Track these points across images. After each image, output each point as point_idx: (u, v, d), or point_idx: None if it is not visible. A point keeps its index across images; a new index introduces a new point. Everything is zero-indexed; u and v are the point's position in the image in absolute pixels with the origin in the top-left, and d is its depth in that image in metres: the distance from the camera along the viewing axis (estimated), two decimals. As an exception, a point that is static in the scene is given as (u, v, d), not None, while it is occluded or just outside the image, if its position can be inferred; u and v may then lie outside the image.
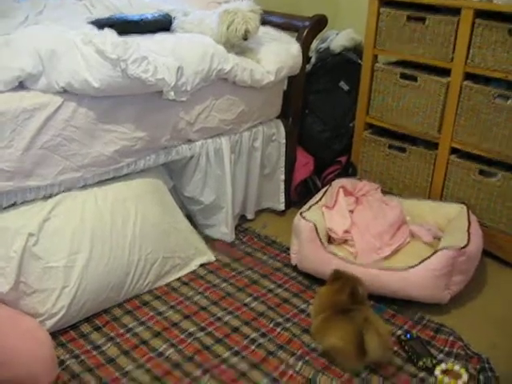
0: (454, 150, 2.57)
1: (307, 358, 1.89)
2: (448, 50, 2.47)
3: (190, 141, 2.40)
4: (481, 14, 2.36)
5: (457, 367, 1.87)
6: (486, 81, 2.45)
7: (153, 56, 2.07)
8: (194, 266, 2.37)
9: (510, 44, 2.31)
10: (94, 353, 1.89)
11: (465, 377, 1.83)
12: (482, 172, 2.48)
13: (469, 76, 2.46)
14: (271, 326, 2.05)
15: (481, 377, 1.85)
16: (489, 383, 1.83)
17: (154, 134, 2.22)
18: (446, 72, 2.51)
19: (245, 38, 2.39)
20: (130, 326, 2.02)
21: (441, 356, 1.94)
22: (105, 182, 2.18)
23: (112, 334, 1.98)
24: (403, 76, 2.65)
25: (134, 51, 1.96)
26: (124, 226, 2.13)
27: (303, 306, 2.16)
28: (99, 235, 2.04)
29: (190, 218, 2.53)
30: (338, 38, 2.97)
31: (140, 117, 2.15)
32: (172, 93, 2.16)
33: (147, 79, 1.99)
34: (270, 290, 2.25)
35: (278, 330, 2.03)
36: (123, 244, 2.10)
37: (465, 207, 2.45)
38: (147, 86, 2.03)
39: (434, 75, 2.54)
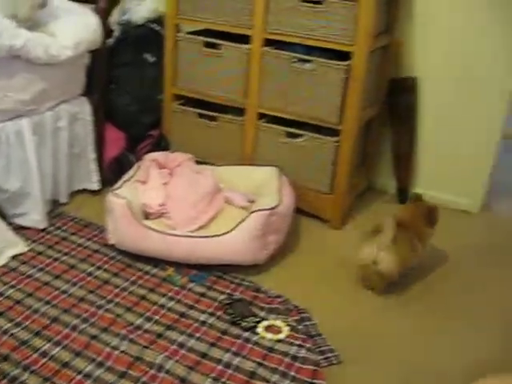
0: (261, 116, 2.64)
1: (131, 336, 1.86)
2: (248, 18, 2.52)
3: (-15, 125, 2.21)
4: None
5: (278, 322, 1.96)
6: (285, 46, 2.54)
7: None
8: (4, 258, 2.21)
9: (303, 10, 2.40)
10: None
11: (285, 330, 1.92)
12: (288, 134, 2.59)
13: (270, 42, 2.53)
14: (93, 309, 1.98)
15: (300, 327, 1.95)
16: (308, 332, 1.94)
17: None
18: (249, 39, 2.56)
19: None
20: None
21: (263, 314, 2.01)
22: None
23: None
24: (207, 45, 2.66)
25: None
26: None
27: (125, 285, 2.12)
28: None
29: (-4, 208, 2.36)
30: (139, 9, 2.90)
31: None
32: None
33: None
34: (90, 273, 2.17)
35: (100, 312, 1.97)
36: None
37: (276, 169, 2.55)
38: None
39: (238, 43, 2.58)
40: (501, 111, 2.74)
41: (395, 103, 2.79)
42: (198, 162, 2.66)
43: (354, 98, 2.40)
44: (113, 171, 2.77)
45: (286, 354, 1.83)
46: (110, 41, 2.79)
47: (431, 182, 2.98)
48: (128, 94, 2.79)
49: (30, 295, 2.03)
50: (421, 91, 2.84)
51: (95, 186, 2.74)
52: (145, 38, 2.85)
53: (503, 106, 2.73)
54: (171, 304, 2.04)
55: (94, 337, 1.85)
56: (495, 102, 2.73)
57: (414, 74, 2.83)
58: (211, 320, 1.97)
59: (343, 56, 2.40)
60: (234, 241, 2.14)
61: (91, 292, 2.07)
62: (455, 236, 2.68)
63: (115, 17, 2.86)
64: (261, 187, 2.50)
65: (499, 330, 2.07)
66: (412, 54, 2.83)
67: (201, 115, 2.77)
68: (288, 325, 1.95)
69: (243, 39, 2.57)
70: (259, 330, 1.92)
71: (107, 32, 2.66)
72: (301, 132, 2.56)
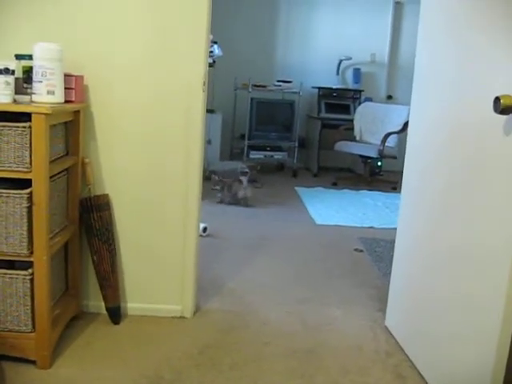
0: None
1: None
2: None
3: None
4: None
5: None
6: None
7: None
8: None
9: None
10: None
11: None
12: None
13: None
14: None
15: None
16: None
17: None
18: None
19: None
20: None
21: None
22: None
23: None
24: None
25: None
26: None
27: None
28: None
29: None
30: None
31: None
32: None
33: None
34: None
35: None
36: None
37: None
38: None
39: None
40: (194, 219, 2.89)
41: (90, 222, 2.73)
42: None
43: (41, 226, 2.28)
44: None
45: None
46: None
47: (141, 296, 2.96)
48: None
49: None
50: (114, 207, 2.86)
51: None
52: None
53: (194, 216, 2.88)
54: None
55: None
56: (179, 215, 2.87)
57: (105, 191, 2.84)
58: None
59: (27, 183, 2.28)
60: None
61: None
62: (170, 344, 2.67)
63: None
64: None
65: None
66: (101, 172, 2.84)
67: None
68: None
69: None
70: None
71: None
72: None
